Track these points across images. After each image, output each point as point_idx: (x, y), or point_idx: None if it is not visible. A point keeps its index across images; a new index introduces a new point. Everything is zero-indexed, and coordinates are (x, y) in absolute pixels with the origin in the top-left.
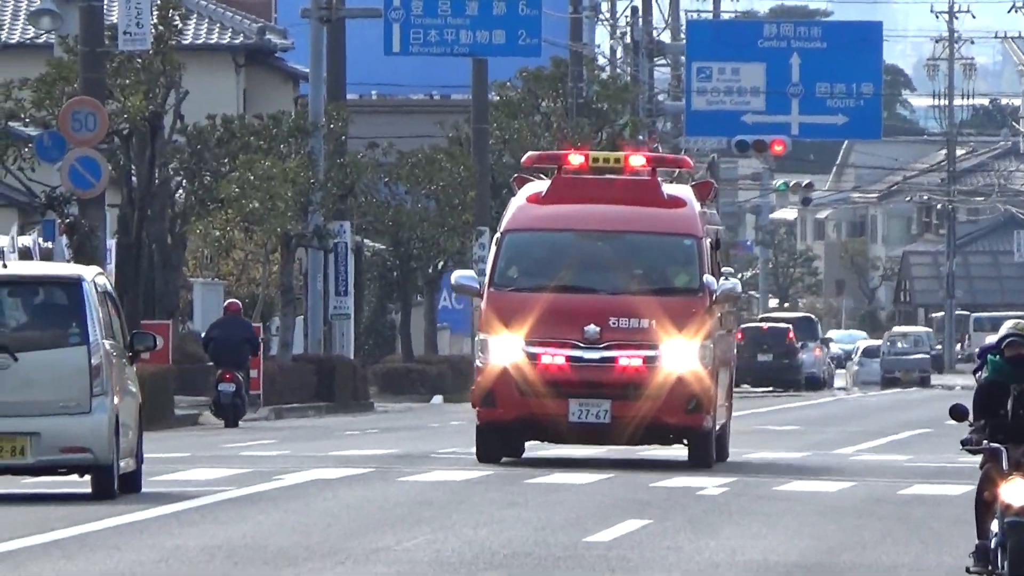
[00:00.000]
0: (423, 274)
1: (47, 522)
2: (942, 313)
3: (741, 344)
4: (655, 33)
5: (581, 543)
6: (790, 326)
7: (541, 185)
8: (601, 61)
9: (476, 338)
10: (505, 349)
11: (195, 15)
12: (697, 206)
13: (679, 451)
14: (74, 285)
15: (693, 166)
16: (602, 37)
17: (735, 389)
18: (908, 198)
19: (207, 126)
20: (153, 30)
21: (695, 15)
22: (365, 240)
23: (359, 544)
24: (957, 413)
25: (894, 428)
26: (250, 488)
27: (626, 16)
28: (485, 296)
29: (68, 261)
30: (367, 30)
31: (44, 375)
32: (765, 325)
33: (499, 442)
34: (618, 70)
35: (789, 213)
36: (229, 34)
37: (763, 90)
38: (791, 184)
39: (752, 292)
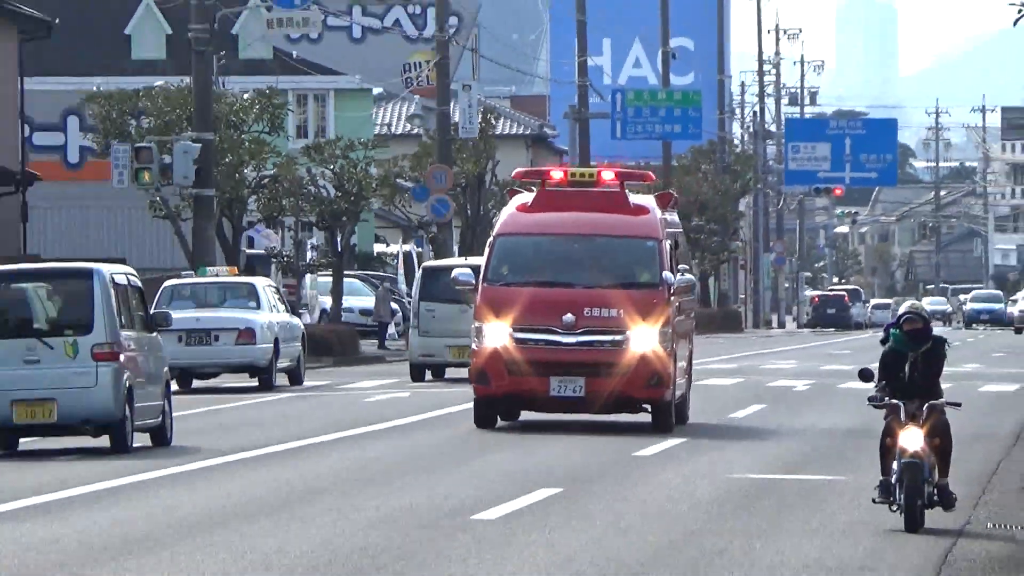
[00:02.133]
0: None
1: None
2: (932, 286)
3: (817, 304)
4: (767, 125)
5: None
6: (845, 293)
7: (528, 196)
8: (736, 142)
9: (472, 326)
10: (496, 335)
11: (502, 117)
12: (658, 213)
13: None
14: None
15: (655, 179)
16: (736, 128)
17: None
18: (911, 219)
19: (510, 180)
20: (479, 125)
21: (791, 114)
22: None
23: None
24: (864, 375)
25: None
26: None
27: (751, 115)
28: (479, 290)
29: (430, 259)
30: (601, 125)
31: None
32: (831, 293)
33: (492, 411)
34: (746, 147)
35: (844, 229)
36: (521, 128)
37: (828, 158)
38: (846, 212)
39: (823, 274)
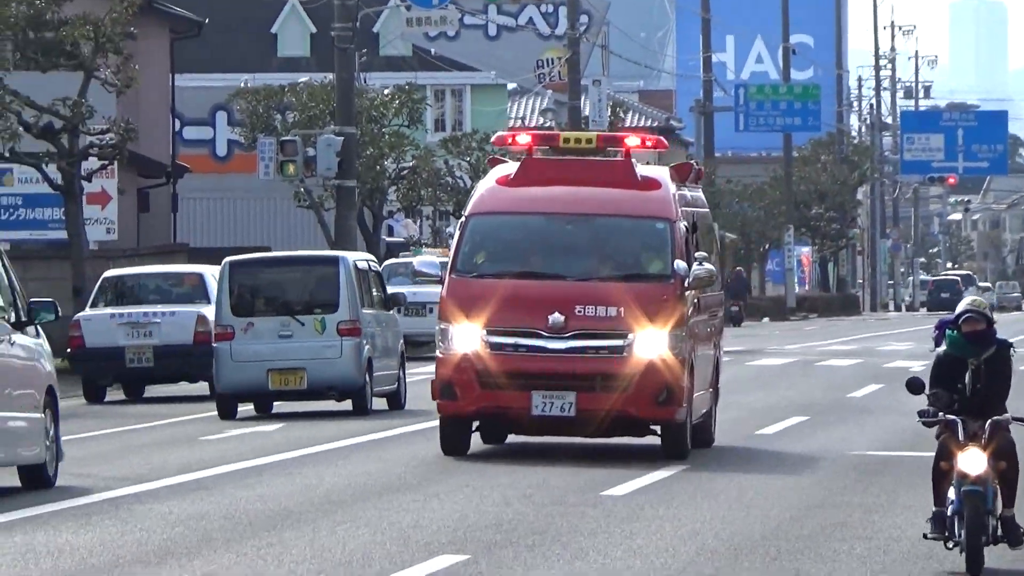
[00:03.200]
0: (757, 252)
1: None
2: None
3: (932, 288)
4: (883, 118)
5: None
6: (958, 278)
7: (511, 167)
8: (853, 134)
9: (437, 327)
10: (465, 338)
11: (630, 110)
12: (673, 188)
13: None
14: None
15: (667, 146)
16: (853, 120)
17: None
18: (1022, 206)
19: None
20: (608, 118)
21: (905, 107)
22: (727, 233)
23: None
24: (913, 387)
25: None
26: None
27: (868, 108)
28: (446, 282)
29: None
30: (725, 118)
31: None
32: (945, 277)
33: (462, 434)
34: (863, 139)
35: (957, 216)
36: (649, 121)
37: (942, 148)
38: (959, 200)
39: (937, 260)
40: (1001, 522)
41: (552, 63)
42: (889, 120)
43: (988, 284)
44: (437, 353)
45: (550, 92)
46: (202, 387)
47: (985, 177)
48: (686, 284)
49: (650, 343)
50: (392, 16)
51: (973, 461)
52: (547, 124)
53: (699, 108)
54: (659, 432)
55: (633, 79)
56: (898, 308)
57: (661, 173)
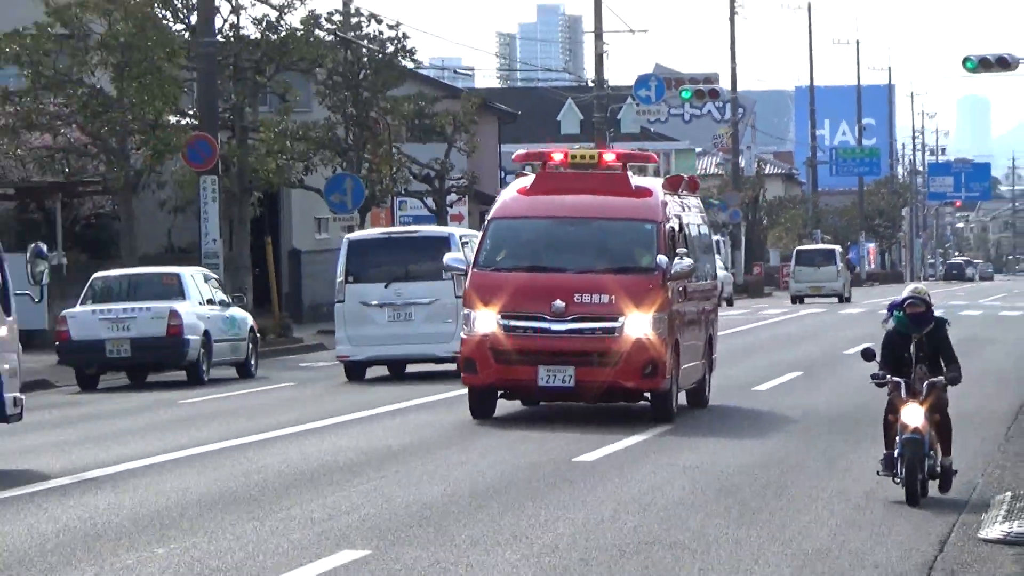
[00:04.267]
0: (844, 246)
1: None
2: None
3: (945, 267)
4: (917, 167)
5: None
6: (961, 261)
7: (529, 179)
8: (899, 176)
9: (462, 312)
10: (484, 322)
11: (767, 164)
12: (661, 195)
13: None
14: None
15: (656, 160)
16: (900, 169)
17: None
18: (1000, 219)
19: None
20: (755, 168)
21: (930, 160)
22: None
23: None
24: (866, 355)
25: None
26: None
27: (908, 161)
28: (469, 275)
29: (726, 247)
30: (823, 168)
31: None
32: (954, 262)
33: (487, 401)
34: (905, 179)
35: (961, 224)
36: (778, 170)
37: (951, 185)
38: (962, 215)
39: (950, 250)
40: (940, 468)
41: (722, 136)
42: (920, 168)
43: (979, 261)
44: (461, 335)
45: (720, 153)
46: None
47: (977, 202)
48: (667, 276)
49: (637, 325)
50: (628, 109)
51: (913, 414)
52: (719, 172)
53: (808, 163)
54: (649, 399)
55: (769, 145)
56: (926, 278)
57: (653, 183)
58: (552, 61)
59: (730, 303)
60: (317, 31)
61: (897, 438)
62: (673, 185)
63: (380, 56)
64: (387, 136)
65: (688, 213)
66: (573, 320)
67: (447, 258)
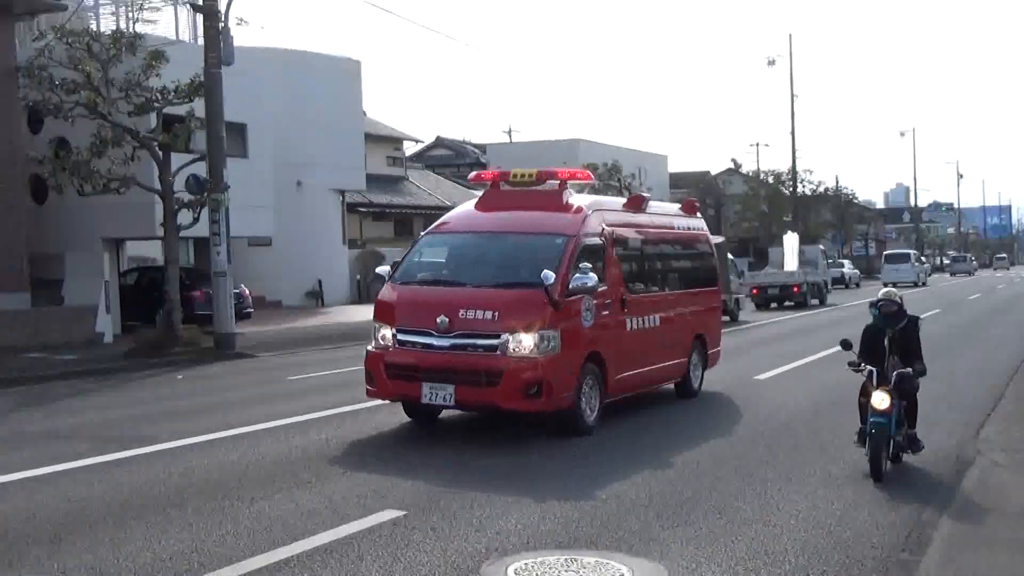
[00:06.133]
0: None
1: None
2: None
3: (950, 261)
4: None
5: None
6: (966, 256)
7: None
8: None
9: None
10: (383, 336)
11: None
12: (593, 213)
13: None
14: None
15: (590, 177)
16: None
17: None
18: None
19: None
20: None
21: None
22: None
23: None
24: (845, 345)
25: None
26: None
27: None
28: (382, 288)
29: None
30: None
31: None
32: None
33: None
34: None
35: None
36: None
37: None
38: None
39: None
40: (907, 438)
41: None
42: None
43: (973, 257)
44: (368, 347)
45: None
46: None
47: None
48: (559, 291)
49: (519, 343)
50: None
51: (880, 399)
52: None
53: None
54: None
55: None
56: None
57: (588, 200)
58: None
59: (734, 318)
60: None
61: (868, 417)
62: (635, 206)
63: None
64: None
65: (621, 229)
66: (456, 336)
67: (378, 269)
